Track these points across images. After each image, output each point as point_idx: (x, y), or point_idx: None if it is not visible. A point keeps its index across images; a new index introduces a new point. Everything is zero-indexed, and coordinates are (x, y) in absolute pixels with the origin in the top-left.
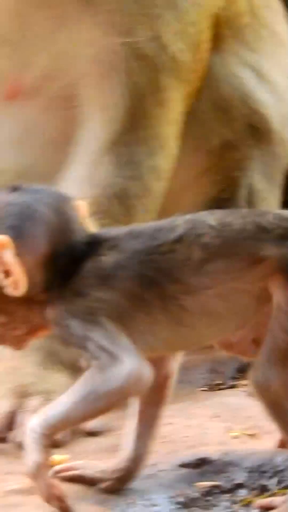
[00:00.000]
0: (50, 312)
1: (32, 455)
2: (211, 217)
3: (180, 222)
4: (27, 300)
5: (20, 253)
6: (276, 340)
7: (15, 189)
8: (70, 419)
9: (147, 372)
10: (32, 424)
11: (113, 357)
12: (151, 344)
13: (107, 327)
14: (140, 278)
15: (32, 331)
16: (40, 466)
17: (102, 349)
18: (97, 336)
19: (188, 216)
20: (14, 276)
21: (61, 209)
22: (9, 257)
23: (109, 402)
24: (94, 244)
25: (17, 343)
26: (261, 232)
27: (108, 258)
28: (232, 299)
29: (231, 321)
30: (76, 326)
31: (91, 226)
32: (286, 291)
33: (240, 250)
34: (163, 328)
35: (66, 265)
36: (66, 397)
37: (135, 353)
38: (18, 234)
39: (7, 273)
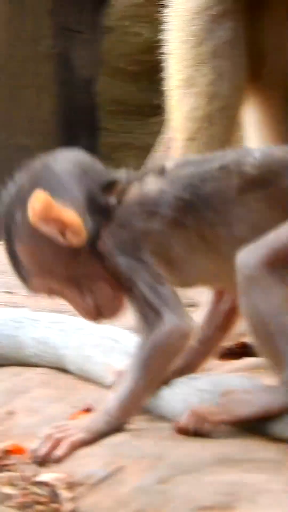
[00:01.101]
0: (104, 251)
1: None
2: (259, 149)
3: (230, 152)
4: (93, 253)
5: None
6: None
7: (25, 168)
8: (137, 401)
9: (188, 326)
10: (104, 412)
11: (155, 315)
12: (193, 276)
13: (151, 270)
14: (181, 203)
15: (117, 289)
16: None
17: (146, 303)
18: (142, 283)
19: (240, 148)
20: (70, 226)
21: (80, 160)
22: (56, 208)
23: (162, 366)
24: (136, 177)
25: (112, 306)
26: None
27: (152, 185)
28: (267, 228)
29: None
30: (124, 265)
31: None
32: None
33: (276, 179)
34: (202, 257)
35: (105, 206)
36: (127, 378)
37: (175, 304)
38: (52, 193)
39: (62, 231)
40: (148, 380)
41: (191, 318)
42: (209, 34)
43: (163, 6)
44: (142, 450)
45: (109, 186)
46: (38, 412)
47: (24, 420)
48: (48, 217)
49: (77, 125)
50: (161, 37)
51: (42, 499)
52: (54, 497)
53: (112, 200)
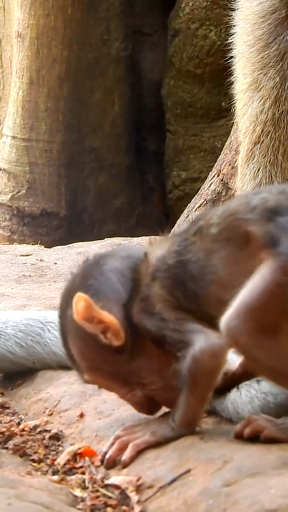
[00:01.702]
0: (137, 324)
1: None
2: (225, 205)
3: (206, 214)
4: (135, 349)
5: (105, 306)
6: (249, 295)
7: (84, 261)
8: (194, 413)
9: (217, 342)
10: (170, 420)
11: (186, 345)
12: None
13: (171, 318)
14: (170, 268)
15: (166, 376)
16: None
17: (177, 342)
18: (169, 332)
19: (218, 207)
20: (110, 326)
21: (131, 256)
22: (96, 311)
23: (206, 384)
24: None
25: (166, 396)
26: (249, 211)
27: (156, 253)
28: (235, 285)
29: None
30: (151, 325)
31: None
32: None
33: (231, 233)
34: (197, 316)
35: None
36: (181, 398)
37: (200, 329)
38: (95, 292)
39: (104, 331)
40: (197, 399)
41: (221, 337)
42: (275, 37)
43: (231, 9)
44: (209, 453)
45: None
46: (107, 415)
47: (94, 423)
48: (92, 317)
49: (145, 128)
50: (228, 40)
51: (112, 502)
52: (123, 499)
53: (135, 275)
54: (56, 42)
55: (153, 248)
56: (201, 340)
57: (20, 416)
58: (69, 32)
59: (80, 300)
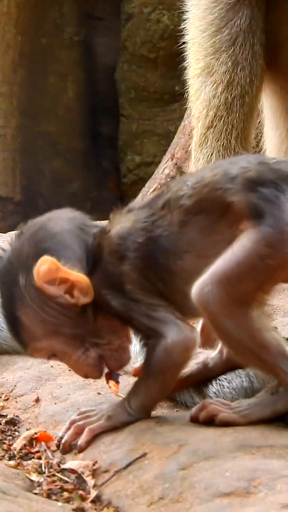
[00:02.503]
0: (99, 299)
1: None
2: (193, 176)
3: (171, 186)
4: (95, 307)
5: (67, 264)
6: (224, 264)
7: (21, 232)
8: (154, 400)
9: (189, 338)
10: (126, 405)
11: (157, 335)
12: None
13: (142, 302)
14: (139, 246)
15: (121, 338)
16: None
17: (148, 330)
18: (138, 315)
19: (178, 179)
20: (78, 286)
21: (74, 217)
22: (63, 270)
23: (173, 375)
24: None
25: (118, 357)
26: (228, 181)
27: (117, 230)
28: (211, 254)
29: None
30: (118, 305)
31: None
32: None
33: (208, 204)
34: (172, 294)
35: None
36: (140, 384)
37: (174, 321)
38: (55, 253)
39: (69, 291)
40: (161, 388)
41: (193, 330)
42: (227, 22)
43: None
44: (164, 437)
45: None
46: (63, 400)
47: (50, 408)
48: (54, 279)
49: (99, 112)
50: (181, 25)
51: (68, 486)
52: (80, 484)
53: (95, 249)
54: (9, 28)
55: (112, 224)
56: (174, 332)
57: None
58: (22, 17)
59: (43, 264)
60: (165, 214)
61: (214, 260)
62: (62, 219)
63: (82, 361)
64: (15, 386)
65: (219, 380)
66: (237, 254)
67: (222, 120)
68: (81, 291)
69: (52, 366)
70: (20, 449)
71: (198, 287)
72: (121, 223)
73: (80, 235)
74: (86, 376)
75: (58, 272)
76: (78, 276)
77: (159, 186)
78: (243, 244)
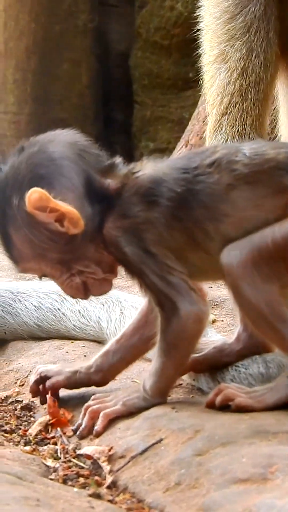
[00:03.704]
0: (109, 239)
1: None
2: (248, 146)
3: (220, 148)
4: (90, 239)
5: (60, 195)
6: (261, 236)
7: (22, 148)
8: (170, 381)
9: (201, 311)
10: (141, 389)
11: (169, 305)
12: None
13: (159, 260)
14: (175, 195)
15: (107, 271)
16: None
17: (159, 292)
18: (151, 274)
19: (230, 144)
20: (67, 215)
21: (76, 143)
22: (53, 202)
23: (187, 350)
24: (135, 164)
25: (100, 287)
26: None
27: (149, 174)
28: (250, 226)
29: None
30: (131, 255)
31: None
32: None
33: (266, 178)
34: (192, 253)
35: (104, 191)
36: (156, 365)
37: (187, 291)
38: (49, 181)
39: (60, 220)
40: (175, 365)
41: (205, 302)
42: (241, 9)
43: None
44: (180, 422)
45: (107, 170)
46: None
47: (65, 393)
48: (45, 208)
49: (113, 99)
50: (195, 11)
51: (84, 472)
52: (95, 469)
53: (112, 185)
54: (23, 15)
55: (145, 166)
56: (187, 303)
57: None
58: (36, 4)
59: (34, 194)
60: (212, 172)
61: (251, 233)
62: (63, 143)
63: (67, 284)
64: (30, 371)
65: (236, 366)
66: (277, 233)
67: (236, 107)
68: (71, 223)
69: (67, 352)
70: (36, 435)
71: (228, 250)
72: (156, 168)
73: (81, 164)
74: (72, 297)
75: (48, 203)
76: (68, 209)
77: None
78: (286, 226)
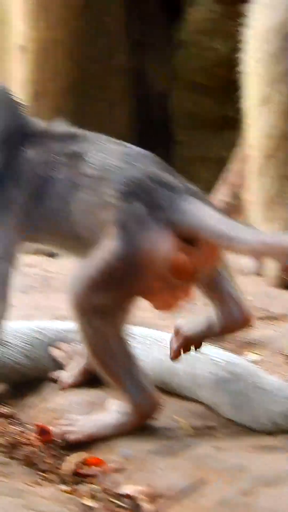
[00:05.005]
0: None
1: None
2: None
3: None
4: None
5: None
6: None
7: None
8: None
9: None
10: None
11: None
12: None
13: (5, 244)
14: (39, 184)
15: None
16: None
17: None
18: None
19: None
20: None
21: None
22: None
23: None
24: (31, 134)
25: None
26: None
27: (27, 154)
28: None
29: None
30: None
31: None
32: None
33: (97, 189)
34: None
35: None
36: None
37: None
38: None
39: None
40: None
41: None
42: (286, 52)
43: (238, 20)
44: (224, 462)
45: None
46: None
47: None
48: None
49: (152, 139)
50: (236, 51)
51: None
52: (136, 509)
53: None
54: (59, 55)
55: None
56: None
57: (28, 426)
58: (73, 44)
59: None
60: (69, 163)
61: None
62: None
63: None
64: (67, 411)
65: None
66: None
67: (280, 150)
68: None
69: (105, 391)
70: (72, 474)
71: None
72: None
73: None
74: None
75: None
76: None
77: None
78: (103, 250)
